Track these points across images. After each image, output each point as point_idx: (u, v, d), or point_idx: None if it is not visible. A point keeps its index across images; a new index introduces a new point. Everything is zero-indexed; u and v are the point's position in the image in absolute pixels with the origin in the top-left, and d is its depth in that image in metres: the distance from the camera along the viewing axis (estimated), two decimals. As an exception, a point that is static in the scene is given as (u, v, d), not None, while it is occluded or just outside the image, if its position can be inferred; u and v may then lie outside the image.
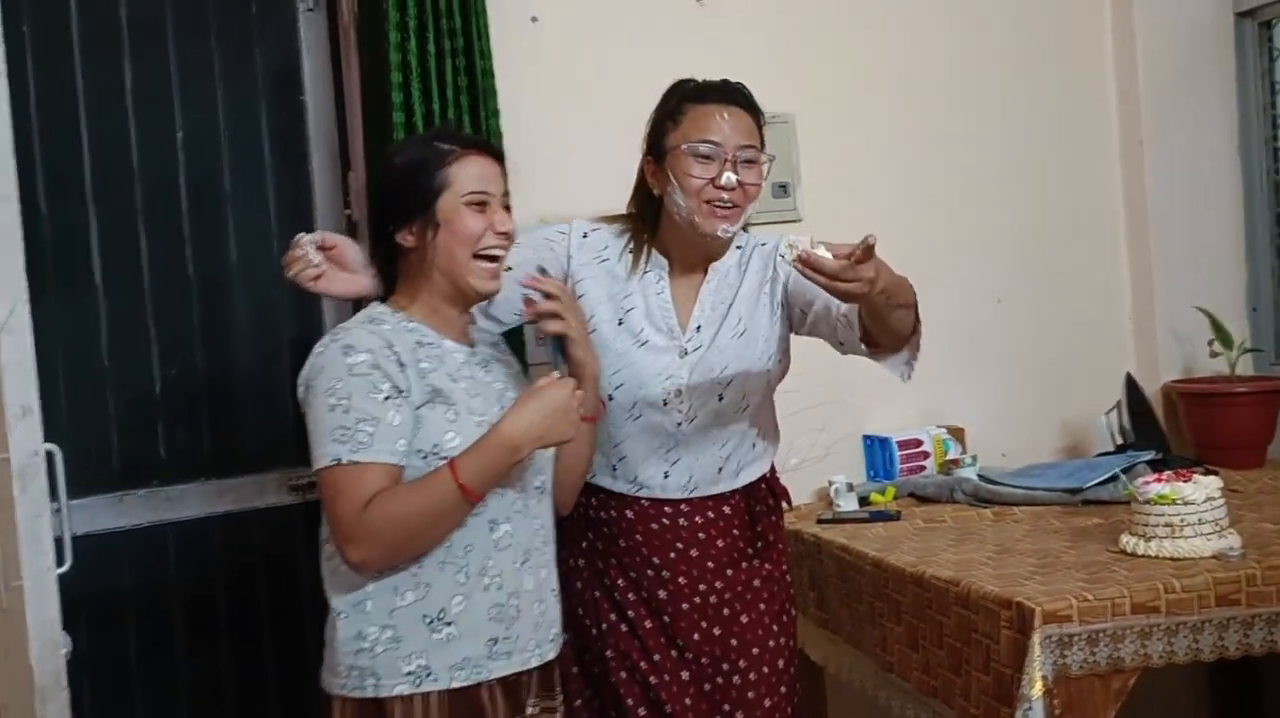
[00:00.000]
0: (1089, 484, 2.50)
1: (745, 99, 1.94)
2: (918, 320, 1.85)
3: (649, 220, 1.99)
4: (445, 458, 1.61)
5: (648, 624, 1.97)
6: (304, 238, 1.84)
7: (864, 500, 2.64)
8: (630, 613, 1.97)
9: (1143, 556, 2.02)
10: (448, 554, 1.63)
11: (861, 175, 2.86)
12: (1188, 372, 3.03)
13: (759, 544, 2.03)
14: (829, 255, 1.60)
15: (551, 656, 1.75)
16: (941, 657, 2.04)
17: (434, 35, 2.36)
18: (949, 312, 2.88)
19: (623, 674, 1.95)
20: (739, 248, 2.03)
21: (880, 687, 2.26)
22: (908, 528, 2.45)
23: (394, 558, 1.60)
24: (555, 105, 2.60)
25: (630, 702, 1.94)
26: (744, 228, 1.98)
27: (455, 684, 1.62)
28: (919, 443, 2.78)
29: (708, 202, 1.89)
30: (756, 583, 2.02)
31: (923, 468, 2.78)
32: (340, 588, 1.65)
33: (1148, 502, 2.03)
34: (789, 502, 2.19)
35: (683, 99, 1.94)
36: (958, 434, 2.82)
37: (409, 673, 1.61)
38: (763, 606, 2.01)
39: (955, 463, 2.72)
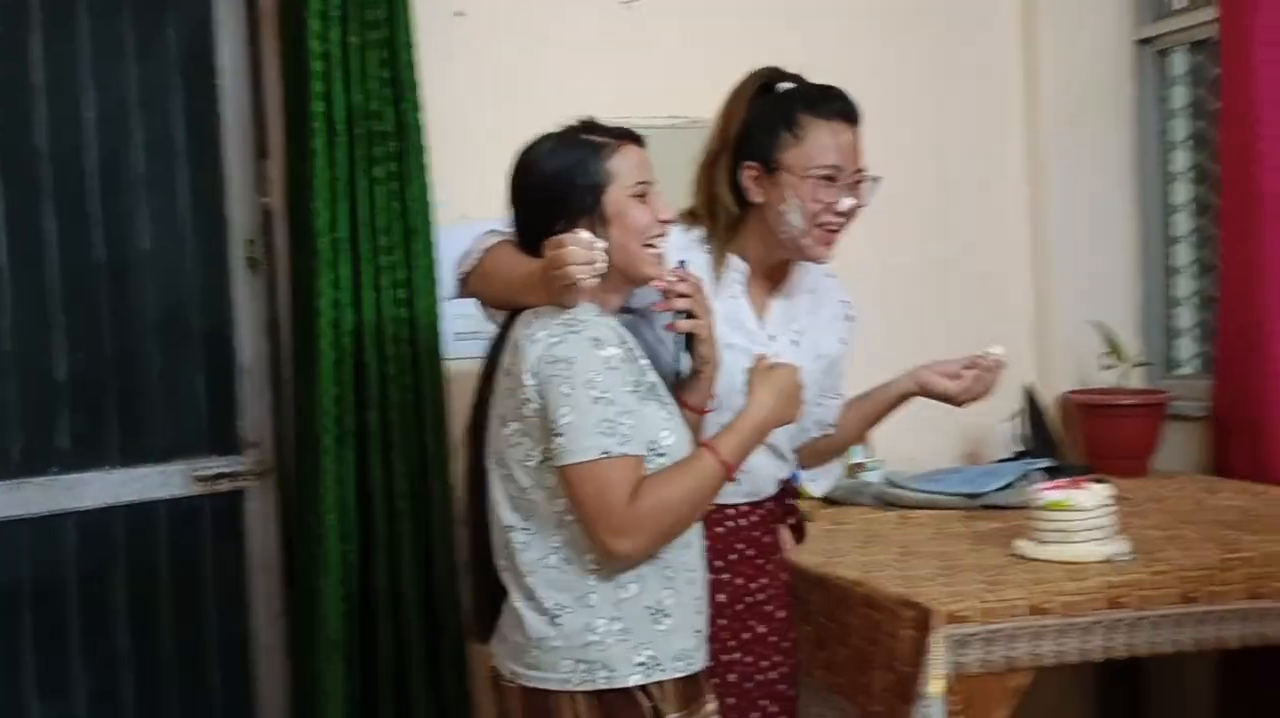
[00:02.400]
0: (989, 490, 2.60)
1: (857, 114, 1.91)
2: None
3: (726, 223, 1.93)
4: (662, 453, 1.63)
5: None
6: (598, 241, 1.60)
7: (772, 502, 2.70)
8: None
9: (1038, 559, 2.10)
10: (665, 559, 1.66)
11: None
12: (1082, 383, 3.15)
13: (799, 537, 2.11)
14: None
15: None
16: (846, 655, 2.10)
17: (357, 25, 2.34)
18: (870, 323, 2.95)
19: None
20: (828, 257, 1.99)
21: (785, 684, 2.31)
22: (814, 530, 2.48)
23: (662, 543, 1.63)
24: (479, 102, 2.61)
25: None
26: None
27: (677, 675, 1.65)
28: (827, 447, 2.83)
29: (820, 225, 1.88)
30: (783, 577, 2.05)
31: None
32: (558, 585, 1.63)
33: (1043, 508, 2.11)
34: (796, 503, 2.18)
35: (800, 107, 1.88)
36: (864, 440, 2.88)
37: (640, 664, 1.63)
38: (788, 599, 2.05)
39: (861, 467, 2.79)
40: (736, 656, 1.97)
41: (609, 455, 1.56)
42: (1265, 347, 2.76)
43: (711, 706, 1.74)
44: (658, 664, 1.63)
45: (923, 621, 1.90)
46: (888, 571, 2.12)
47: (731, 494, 1.91)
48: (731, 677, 1.96)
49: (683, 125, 2.61)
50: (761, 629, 1.99)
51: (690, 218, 1.95)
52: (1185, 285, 3.24)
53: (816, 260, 1.93)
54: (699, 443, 1.72)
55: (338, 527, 2.33)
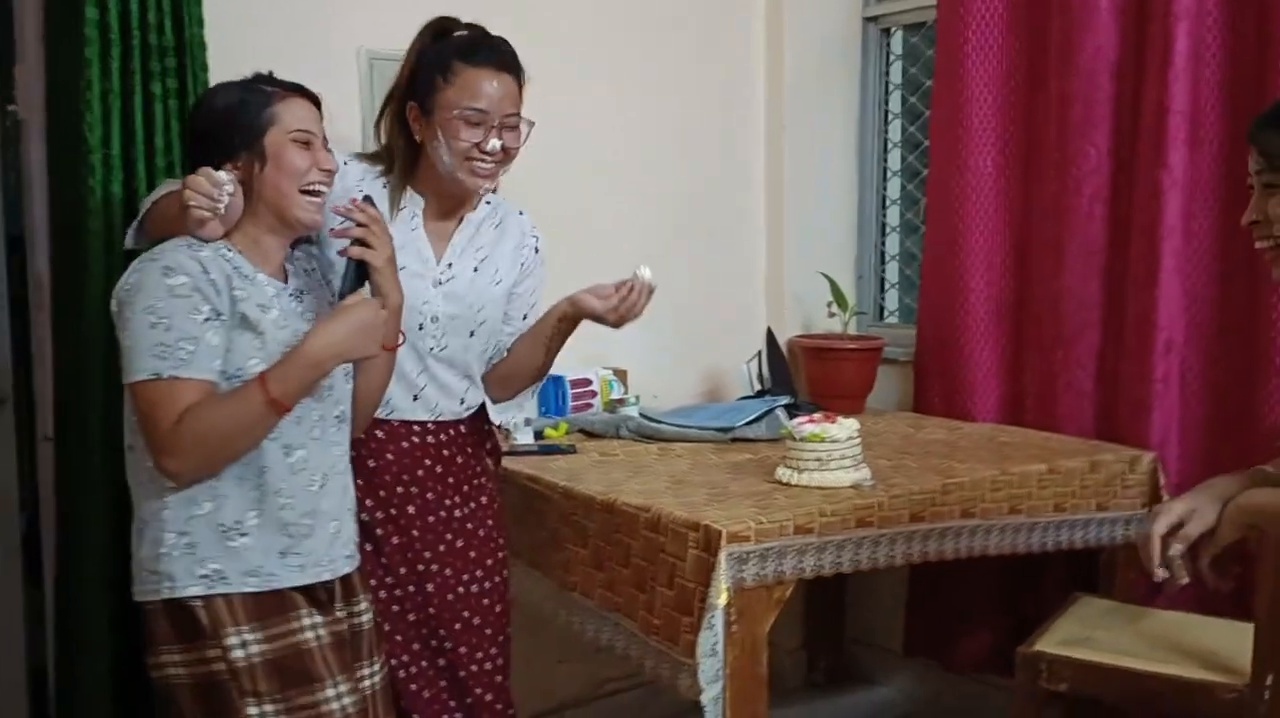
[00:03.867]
0: (738, 424, 2.84)
1: (513, 63, 2.05)
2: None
3: (405, 159, 2.06)
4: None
5: (395, 541, 2.08)
6: (224, 177, 1.72)
7: (538, 435, 2.82)
8: (379, 532, 2.06)
9: (797, 485, 2.35)
10: (244, 472, 1.72)
11: (542, 143, 3.00)
12: (806, 328, 3.47)
13: (487, 462, 2.22)
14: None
15: (345, 569, 1.87)
16: (626, 575, 2.26)
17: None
18: (614, 266, 3.10)
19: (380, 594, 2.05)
20: (488, 203, 2.17)
21: (560, 605, 2.45)
22: (585, 461, 2.65)
23: (208, 467, 1.71)
24: (255, 24, 2.51)
25: (381, 621, 2.02)
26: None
27: (247, 589, 1.71)
28: (588, 383, 2.99)
29: (470, 160, 2.01)
30: (484, 498, 2.20)
31: (590, 406, 3.00)
32: (142, 498, 1.72)
33: (803, 439, 2.36)
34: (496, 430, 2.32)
35: (454, 55, 2.00)
36: (621, 376, 3.06)
37: (203, 576, 1.71)
38: (490, 521, 2.20)
39: (620, 402, 2.97)
40: (434, 567, 2.12)
41: (159, 377, 1.65)
42: (963, 301, 3.16)
43: (313, 619, 1.79)
44: (222, 578, 1.72)
45: (707, 541, 2.10)
46: (666, 497, 2.30)
47: (413, 411, 2.10)
48: (430, 587, 2.11)
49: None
50: (460, 544, 2.15)
51: (374, 157, 2.11)
52: (895, 243, 3.63)
53: (474, 192, 2.07)
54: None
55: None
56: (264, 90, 1.78)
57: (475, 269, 2.14)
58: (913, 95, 3.53)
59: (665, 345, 3.27)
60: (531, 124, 2.08)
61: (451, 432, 2.16)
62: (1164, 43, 2.70)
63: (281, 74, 1.85)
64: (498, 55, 2.03)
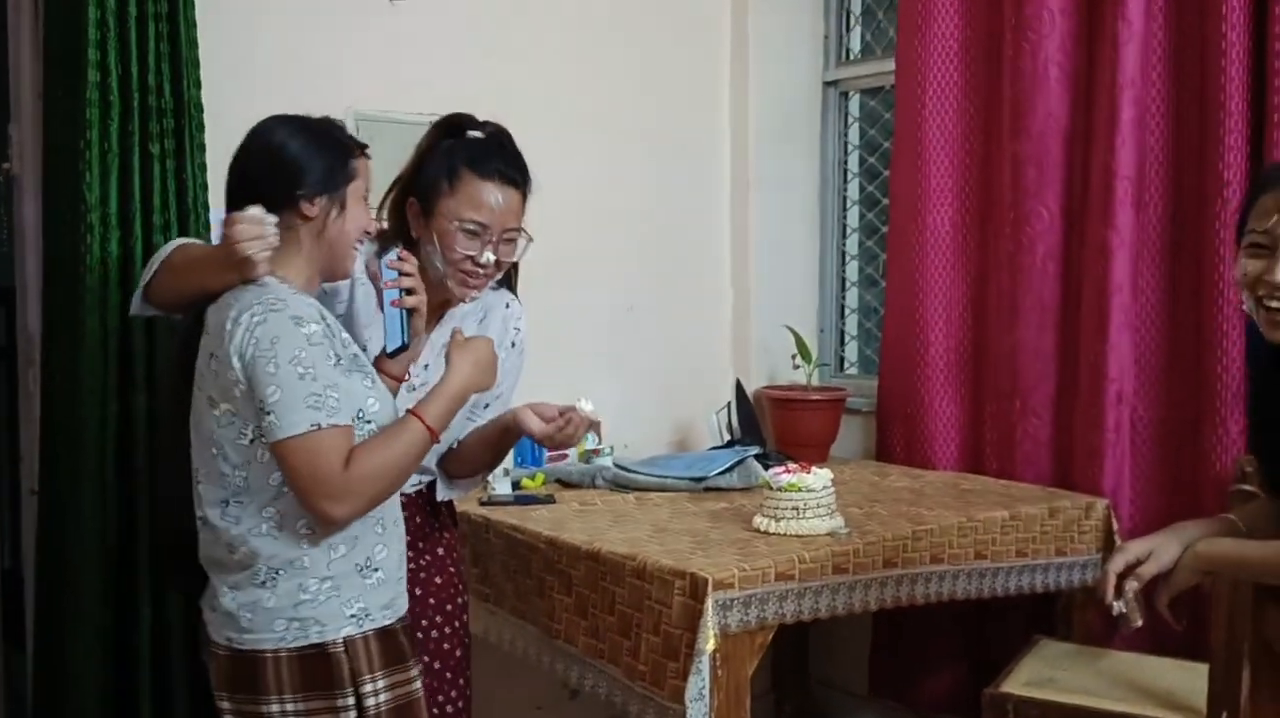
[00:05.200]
0: (712, 474, 2.92)
1: (521, 176, 2.01)
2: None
3: (401, 246, 2.01)
4: (369, 420, 1.75)
5: None
6: (264, 214, 1.71)
7: (516, 485, 2.88)
8: None
9: (775, 533, 2.43)
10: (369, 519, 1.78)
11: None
12: (772, 379, 3.58)
13: (445, 518, 2.23)
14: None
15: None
16: (611, 622, 2.33)
17: (136, -5, 2.27)
18: (589, 316, 3.22)
19: None
20: (474, 296, 2.11)
21: (544, 652, 2.51)
22: (567, 511, 2.72)
23: (371, 507, 1.75)
24: (249, 87, 2.58)
25: None
26: None
27: (384, 623, 1.79)
28: (564, 434, 3.05)
29: (462, 271, 1.98)
30: (440, 551, 2.20)
31: (565, 456, 3.06)
32: (266, 552, 1.72)
33: (780, 489, 2.45)
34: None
35: (463, 162, 1.97)
36: (596, 427, 3.12)
37: (351, 616, 1.75)
38: (451, 568, 2.21)
39: (595, 452, 3.04)
40: None
41: (319, 428, 1.66)
42: (924, 353, 3.29)
43: (415, 671, 1.84)
44: (368, 615, 1.77)
45: (694, 588, 2.17)
46: (650, 545, 2.37)
47: None
48: None
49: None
50: (418, 592, 2.11)
51: (379, 235, 2.06)
52: (854, 297, 3.76)
53: (461, 299, 2.04)
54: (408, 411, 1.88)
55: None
56: (346, 141, 1.82)
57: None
58: (871, 156, 3.67)
59: (637, 396, 3.35)
60: (530, 239, 2.05)
61: (406, 498, 2.10)
62: (1110, 110, 2.87)
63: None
64: (507, 168, 1.99)
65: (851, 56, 3.69)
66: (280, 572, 1.72)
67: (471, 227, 1.97)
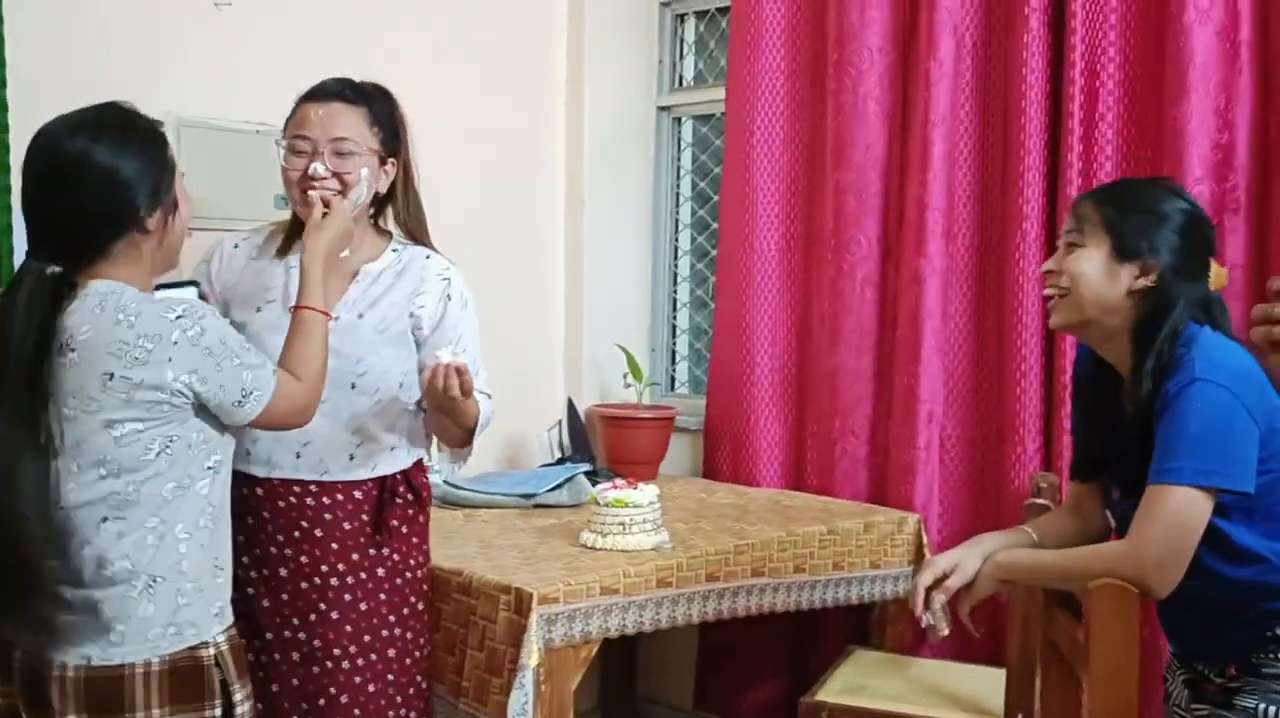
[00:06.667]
0: (542, 491, 2.94)
1: (347, 92, 2.07)
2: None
3: (294, 220, 2.12)
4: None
5: (265, 604, 2.05)
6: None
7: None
8: (250, 590, 2.04)
9: (601, 549, 2.47)
10: (218, 510, 1.79)
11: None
12: (604, 397, 3.62)
13: (385, 533, 2.12)
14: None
15: None
16: (437, 640, 2.32)
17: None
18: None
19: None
20: (395, 251, 2.16)
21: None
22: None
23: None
24: (57, 88, 2.48)
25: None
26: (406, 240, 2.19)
27: (231, 624, 1.81)
28: (393, 450, 3.02)
29: (304, 191, 2.01)
30: (380, 572, 2.11)
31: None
32: (153, 559, 1.71)
33: (607, 505, 2.49)
34: (426, 499, 2.27)
35: (298, 100, 2.08)
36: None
37: (215, 614, 1.77)
38: (383, 595, 2.11)
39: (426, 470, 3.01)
40: (302, 635, 2.05)
41: (275, 371, 1.79)
42: (750, 374, 3.39)
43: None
44: (224, 611, 1.79)
45: (519, 603, 2.18)
46: (477, 561, 2.38)
47: (295, 469, 2.05)
48: (295, 656, 2.05)
49: (267, 132, 2.68)
50: (335, 616, 2.05)
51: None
52: (685, 318, 3.84)
53: (306, 219, 2.00)
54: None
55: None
56: (154, 130, 1.79)
57: (360, 316, 2.08)
58: (702, 180, 3.77)
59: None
60: (382, 158, 2.08)
61: (340, 496, 2.08)
62: (924, 144, 3.03)
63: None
64: (324, 86, 2.07)
65: (685, 83, 3.79)
66: (160, 579, 1.70)
67: (297, 144, 2.03)
